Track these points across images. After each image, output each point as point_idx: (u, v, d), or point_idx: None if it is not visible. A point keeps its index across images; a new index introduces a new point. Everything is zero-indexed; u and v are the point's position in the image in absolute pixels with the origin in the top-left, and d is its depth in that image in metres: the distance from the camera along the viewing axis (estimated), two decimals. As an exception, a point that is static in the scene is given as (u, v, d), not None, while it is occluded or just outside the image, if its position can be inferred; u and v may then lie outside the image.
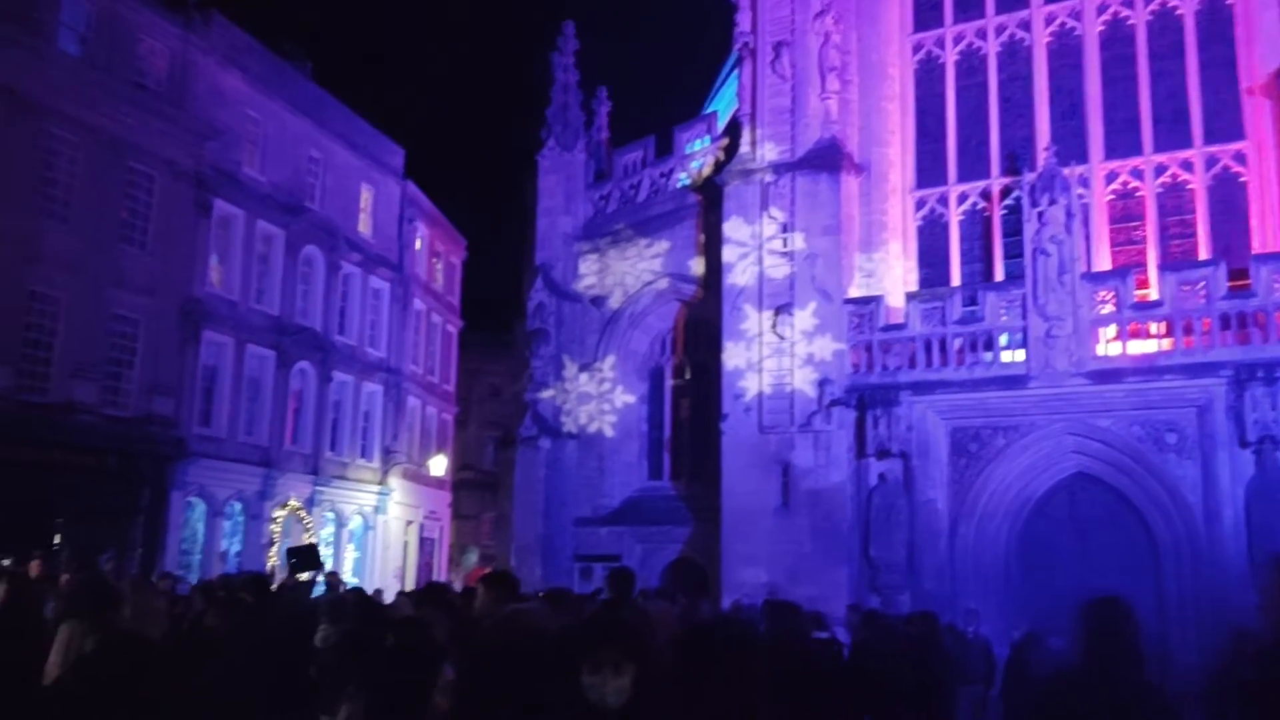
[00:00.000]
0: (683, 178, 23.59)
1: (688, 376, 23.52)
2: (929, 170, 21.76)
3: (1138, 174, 20.05)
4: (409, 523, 36.41)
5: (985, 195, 21.19)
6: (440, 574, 37.25)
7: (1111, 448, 18.22)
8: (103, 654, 4.59)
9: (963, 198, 21.39)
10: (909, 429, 19.02)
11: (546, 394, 23.44)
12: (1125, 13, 20.55)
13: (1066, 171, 18.84)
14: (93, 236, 22.98)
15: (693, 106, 30.39)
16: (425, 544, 38.22)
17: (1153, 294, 18.61)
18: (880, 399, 19.05)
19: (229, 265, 27.55)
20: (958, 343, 19.05)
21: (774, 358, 20.13)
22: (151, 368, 24.37)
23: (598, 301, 23.85)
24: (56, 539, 21.49)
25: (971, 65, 21.77)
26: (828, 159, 20.44)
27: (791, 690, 5.52)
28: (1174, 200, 19.84)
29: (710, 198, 22.13)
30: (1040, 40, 21.10)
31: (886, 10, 21.87)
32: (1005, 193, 20.85)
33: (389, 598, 12.55)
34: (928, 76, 22.09)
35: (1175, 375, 17.38)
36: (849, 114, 21.11)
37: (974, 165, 21.44)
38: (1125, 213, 20.22)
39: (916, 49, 22.14)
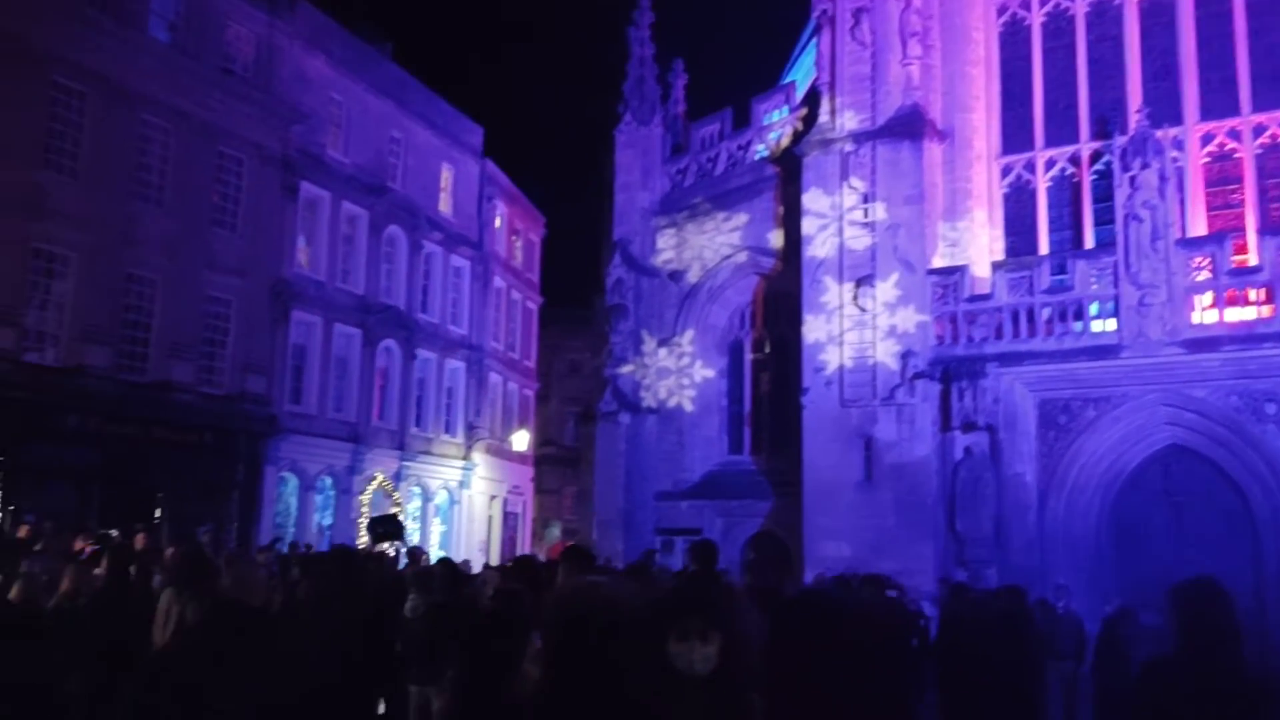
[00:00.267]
0: (760, 149, 23.38)
1: (767, 350, 23.40)
2: (1015, 136, 21.22)
3: (1235, 135, 19.29)
4: (492, 497, 37.00)
5: (1074, 160, 20.60)
6: (524, 548, 37.82)
7: (1208, 419, 17.68)
8: (209, 620, 4.79)
9: (1050, 163, 20.83)
10: (995, 401, 18.68)
11: (626, 369, 23.54)
12: (1222, -33, 19.73)
13: (1160, 134, 18.22)
14: (186, 219, 23.70)
15: (770, 77, 30.09)
16: (509, 518, 38.82)
17: (1251, 259, 17.94)
18: (965, 371, 18.73)
19: (316, 246, 28.19)
20: (1046, 312, 18.61)
21: (855, 330, 19.92)
22: (244, 347, 25.10)
23: (676, 276, 23.83)
24: (157, 513, 22.35)
25: (1059, 26, 21.12)
26: (909, 126, 20.06)
27: (880, 661, 5.50)
28: (1274, 162, 19.07)
29: (789, 169, 21.90)
30: (1131, -1, 20.39)
31: (969, -27, 21.32)
32: (1095, 157, 20.25)
33: (475, 571, 12.80)
34: (1013, 39, 21.50)
35: (1275, 343, 16.74)
36: (931, 80, 20.66)
37: (1062, 130, 20.84)
38: (1222, 175, 19.48)
39: (1001, 11, 21.55)
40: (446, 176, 33.97)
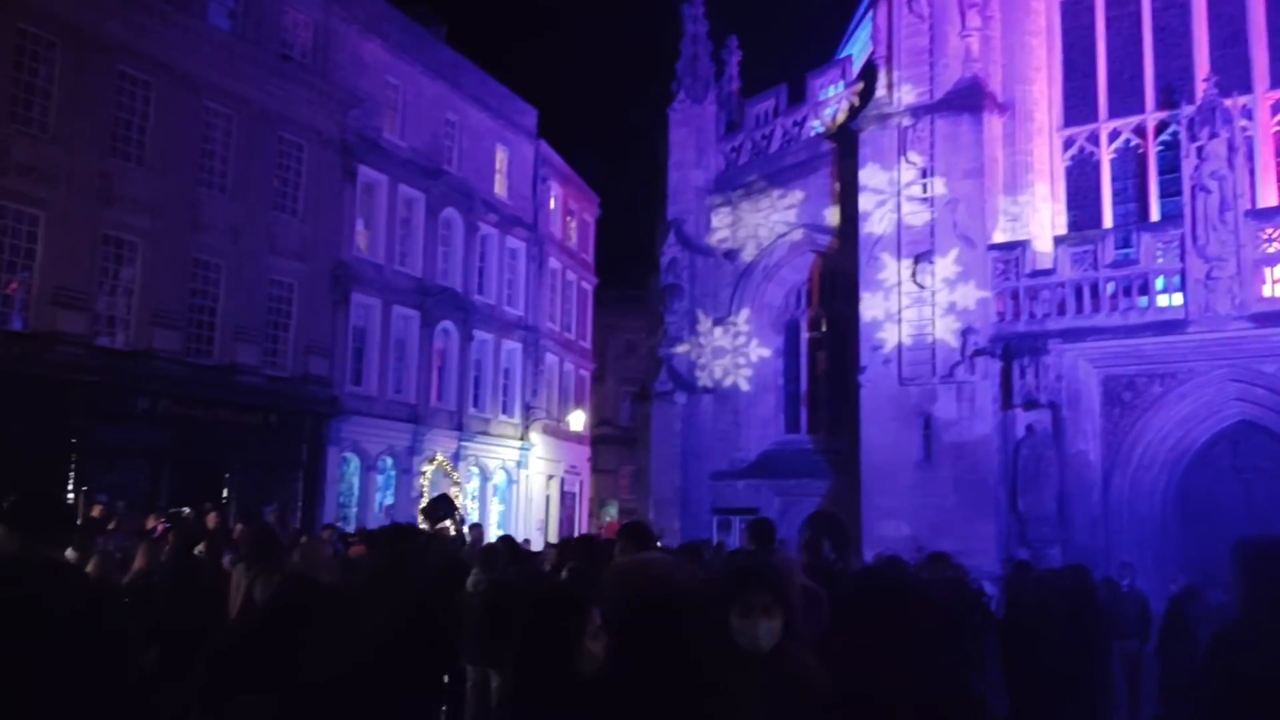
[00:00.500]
0: (816, 125, 23.15)
1: (823, 329, 23.25)
2: (1078, 107, 20.77)
3: (1309, 102, 18.70)
4: (550, 477, 37.30)
5: (1139, 131, 20.13)
6: (581, 527, 38.12)
7: (1278, 394, 17.25)
8: (278, 596, 4.91)
9: (1114, 134, 20.38)
10: (1058, 378, 18.40)
11: (681, 349, 23.54)
12: (1296, -73, 19.09)
13: (1228, 103, 17.71)
14: (248, 205, 24.12)
15: (826, 52, 29.75)
16: (566, 498, 39.12)
17: (1326, 230, 17.41)
18: (1027, 348, 18.46)
19: (374, 229, 28.53)
20: (1110, 287, 18.26)
21: (914, 307, 19.70)
22: (306, 329, 25.53)
23: (731, 255, 23.74)
24: (225, 492, 22.88)
25: (1123, -6, 20.61)
26: (969, 99, 19.73)
27: (943, 639, 5.48)
28: (1351, 129, 18.46)
29: (845, 145, 21.67)
30: (1199, -37, 19.81)
31: (1030, -59, 20.86)
32: (1161, 128, 19.77)
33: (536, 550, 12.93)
34: (1075, 8, 21.01)
35: (1352, 317, 16.28)
36: (990, 51, 20.29)
37: (1126, 100, 20.36)
38: (1294, 145, 18.92)
39: (1063, -20, 21.08)
40: (501, 158, 34.14)
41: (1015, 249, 19.18)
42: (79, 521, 15.64)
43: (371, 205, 28.47)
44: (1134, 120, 20.21)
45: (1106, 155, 20.39)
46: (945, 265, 19.42)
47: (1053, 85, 20.87)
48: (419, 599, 7.06)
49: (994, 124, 19.93)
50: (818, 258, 23.01)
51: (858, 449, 20.03)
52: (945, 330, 19.31)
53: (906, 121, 20.22)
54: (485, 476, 32.93)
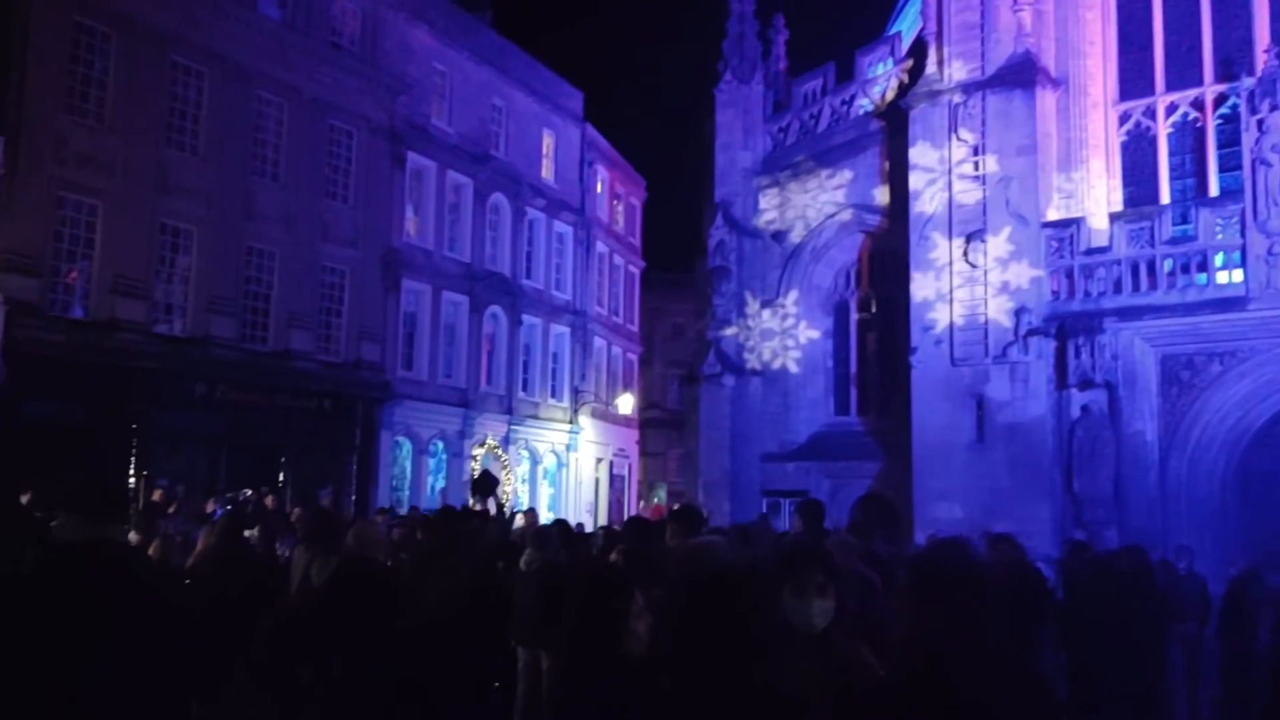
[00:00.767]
0: (864, 104, 22.89)
1: (873, 310, 23.05)
2: (1133, 81, 20.33)
3: (1377, 72, 18.12)
4: (599, 460, 37.47)
5: (1197, 105, 19.66)
6: (630, 510, 38.23)
7: (1344, 372, 16.84)
8: (336, 575, 5.01)
9: (1172, 108, 19.93)
10: (1114, 358, 18.10)
11: (729, 331, 23.48)
12: (1363, -110, 18.48)
13: (1292, 73, 17.25)
14: (300, 192, 24.44)
15: (874, 29, 29.39)
16: (615, 481, 39.28)
17: (1395, 204, 16.90)
18: (1082, 327, 18.17)
19: (423, 215, 28.77)
20: (1168, 264, 17.91)
21: (965, 287, 19.47)
22: (358, 315, 25.84)
23: (778, 236, 23.59)
24: (281, 476, 23.29)
25: (1181, -36, 20.11)
26: (1021, 74, 19.41)
27: (1010, 623, 5.44)
28: None
29: (894, 123, 21.42)
30: (1261, -70, 19.26)
31: (1084, -89, 20.40)
32: (1220, 101, 19.29)
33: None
34: (1131, -20, 20.56)
35: None
36: (1043, 26, 19.92)
37: (1184, 73, 19.89)
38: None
39: (1118, -49, 20.61)
40: (548, 142, 34.20)
41: (1070, 226, 18.87)
42: (140, 506, 16.03)
43: (420, 191, 28.70)
44: (1192, 93, 19.75)
45: (1163, 130, 19.96)
46: (998, 244, 19.16)
47: (1108, 59, 20.44)
48: (471, 577, 7.16)
49: (1047, 99, 19.59)
50: (867, 238, 22.80)
51: (908, 431, 19.87)
52: (998, 310, 19.07)
53: (958, 98, 19.94)
54: (535, 460, 33.16)
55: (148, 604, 3.40)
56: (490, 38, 31.94)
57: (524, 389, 32.54)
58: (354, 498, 24.28)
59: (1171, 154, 19.92)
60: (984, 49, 19.88)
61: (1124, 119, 20.31)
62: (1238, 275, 17.23)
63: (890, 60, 22.82)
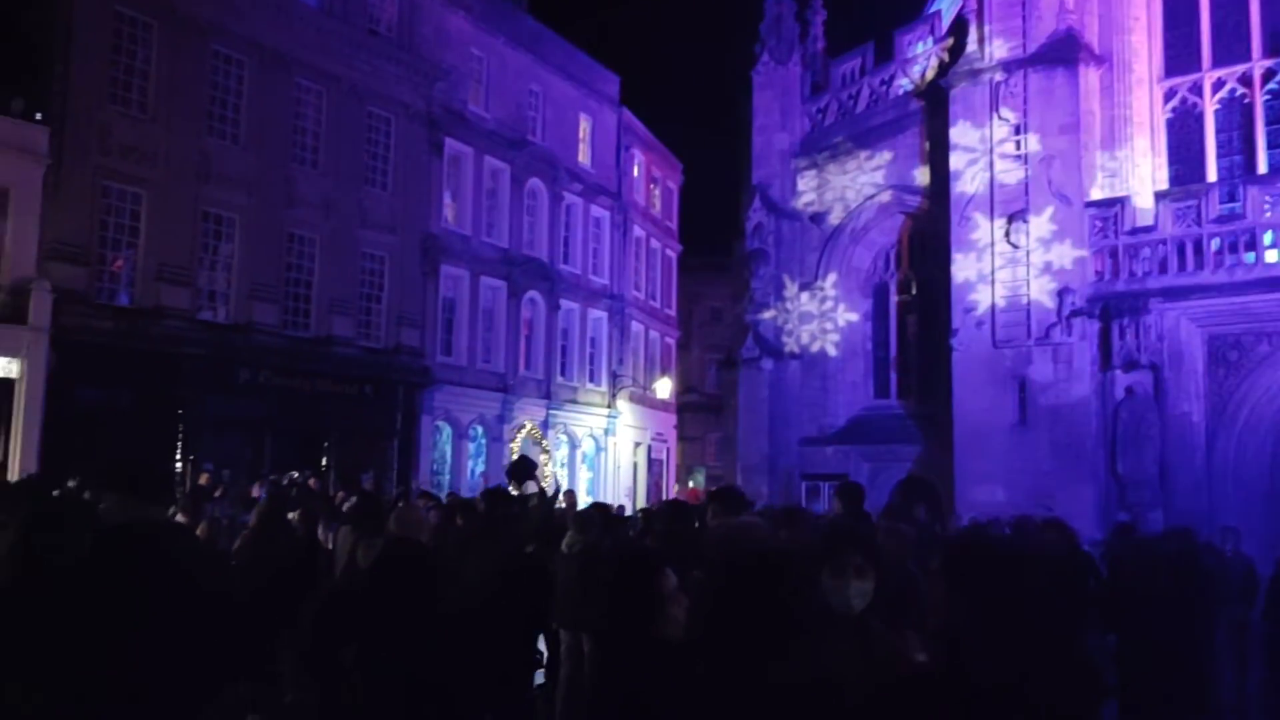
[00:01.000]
0: (904, 84, 22.62)
1: (913, 292, 22.84)
2: (1179, 57, 19.93)
3: None
4: (637, 444, 37.53)
5: (1245, 80, 19.24)
6: (668, 494, 38.27)
7: (1398, 353, 16.46)
8: (382, 557, 5.07)
9: (1219, 84, 19.52)
10: (1159, 338, 17.82)
11: (767, 315, 23.39)
12: None
13: (1345, 46, 16.84)
14: (340, 179, 24.63)
15: (913, 8, 28.98)
16: (653, 465, 39.33)
17: None
18: (1127, 307, 17.91)
19: (461, 201, 28.88)
20: (1215, 243, 17.57)
21: (1007, 268, 19.25)
22: (398, 301, 26.04)
23: (817, 218, 23.43)
24: (324, 461, 23.57)
25: (1229, -65, 19.66)
26: (1064, 52, 19.10)
27: (1059, 607, 5.38)
28: None
29: (934, 103, 21.18)
30: (1313, -102, 18.78)
31: (1129, -117, 20.00)
32: (1268, 76, 18.88)
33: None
34: (1177, -47, 20.13)
35: None
36: (1086, 2, 19.59)
37: (1231, 48, 19.47)
38: None
39: (1164, -77, 20.19)
40: (584, 127, 34.19)
41: (1114, 206, 18.58)
42: (187, 489, 16.29)
43: (458, 177, 28.82)
44: (1239, 69, 19.33)
45: (1210, 106, 19.57)
46: (1040, 224, 18.91)
47: (1153, 35, 20.05)
48: (512, 558, 7.21)
49: (1090, 77, 19.27)
50: (907, 219, 22.59)
51: (949, 413, 19.71)
52: (1040, 291, 18.84)
53: (999, 77, 19.67)
54: (574, 444, 33.29)
55: (195, 583, 3.46)
56: (526, 23, 31.94)
57: (562, 373, 32.65)
58: (395, 482, 24.52)
59: (1218, 131, 19.53)
60: (1025, 26, 19.58)
61: (1169, 96, 19.93)
62: (1288, 253, 16.90)
63: (930, 39, 22.53)
